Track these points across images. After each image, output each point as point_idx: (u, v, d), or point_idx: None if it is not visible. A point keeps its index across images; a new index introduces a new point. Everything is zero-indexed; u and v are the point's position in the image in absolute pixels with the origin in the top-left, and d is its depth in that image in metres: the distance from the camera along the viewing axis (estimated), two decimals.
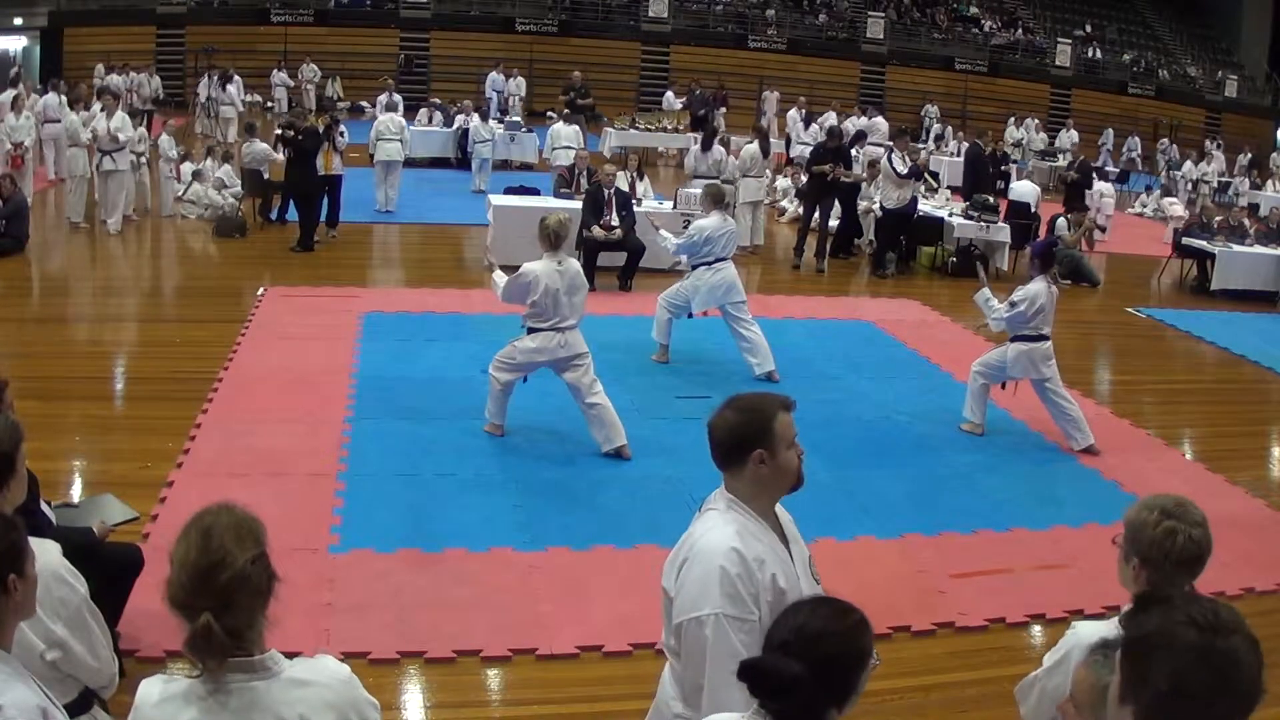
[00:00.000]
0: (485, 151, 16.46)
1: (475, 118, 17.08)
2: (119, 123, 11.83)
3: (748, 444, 2.57)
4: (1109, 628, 2.54)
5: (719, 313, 8.40)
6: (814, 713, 1.93)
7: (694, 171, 13.73)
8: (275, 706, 2.00)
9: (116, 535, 4.17)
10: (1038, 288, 7.12)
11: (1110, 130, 27.14)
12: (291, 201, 12.43)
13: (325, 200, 12.25)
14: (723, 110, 23.05)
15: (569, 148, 14.22)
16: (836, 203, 12.85)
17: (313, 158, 11.69)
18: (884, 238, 12.70)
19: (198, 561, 1.96)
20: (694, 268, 8.36)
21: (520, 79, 24.14)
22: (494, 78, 23.57)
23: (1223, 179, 22.30)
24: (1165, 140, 27.07)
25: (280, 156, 12.36)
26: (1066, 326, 8.27)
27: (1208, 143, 24.77)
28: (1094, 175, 18.08)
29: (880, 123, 19.92)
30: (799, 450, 2.66)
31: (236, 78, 20.42)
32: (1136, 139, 26.57)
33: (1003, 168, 14.94)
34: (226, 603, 1.95)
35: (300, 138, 11.67)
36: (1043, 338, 7.18)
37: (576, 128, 15.38)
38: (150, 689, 2.05)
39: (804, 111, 20.13)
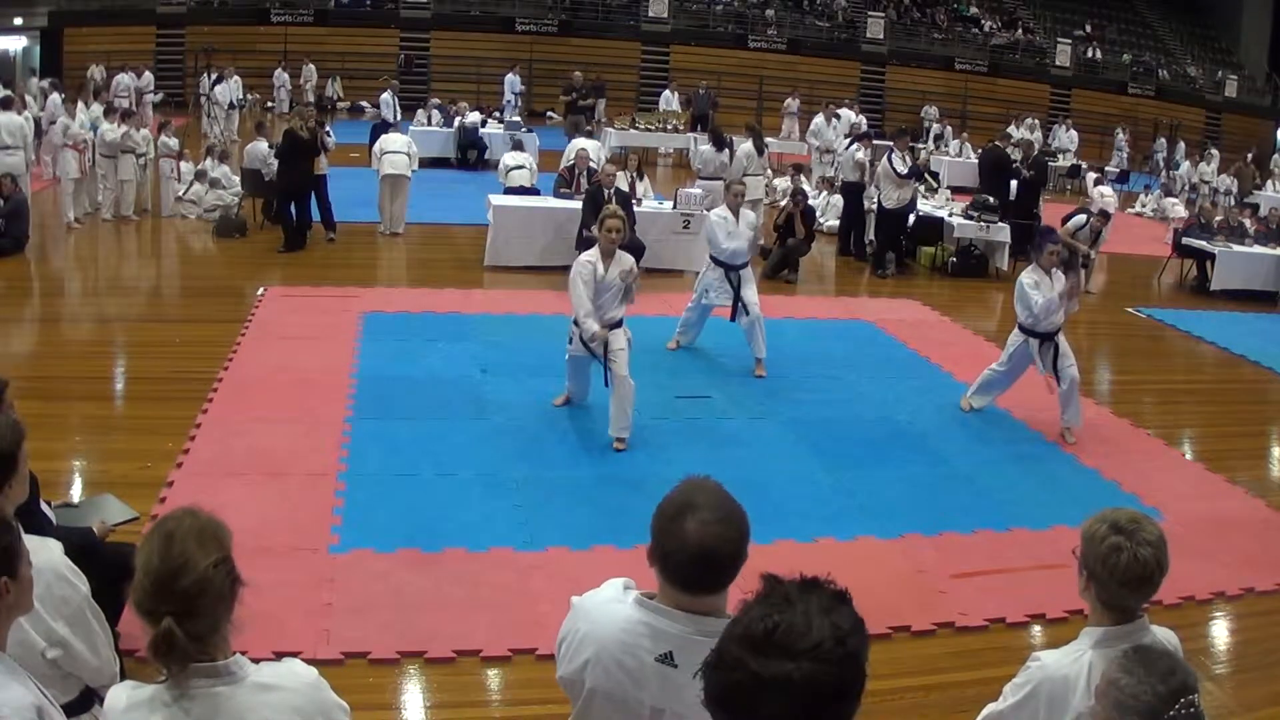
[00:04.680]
0: (521, 179, 13.03)
1: (509, 149, 14.38)
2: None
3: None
4: (1072, 657, 2.50)
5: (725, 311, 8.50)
6: None
7: (700, 171, 13.74)
8: (240, 712, 1.99)
9: (116, 535, 4.16)
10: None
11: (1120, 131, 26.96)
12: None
13: (316, 203, 12.20)
14: (602, 101, 22.74)
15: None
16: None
17: (296, 159, 11.64)
18: (884, 238, 12.70)
19: (160, 567, 1.96)
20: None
21: (515, 76, 24.12)
22: (511, 79, 23.50)
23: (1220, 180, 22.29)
24: (1163, 139, 27.06)
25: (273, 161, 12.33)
26: (1067, 326, 8.25)
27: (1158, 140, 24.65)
28: (1084, 174, 17.96)
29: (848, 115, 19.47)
30: None
31: (235, 78, 20.37)
32: (1127, 135, 26.49)
33: (1023, 171, 13.94)
34: (189, 608, 1.94)
35: (281, 143, 11.74)
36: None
37: (597, 143, 14.45)
38: (117, 696, 2.05)
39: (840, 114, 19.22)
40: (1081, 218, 12.58)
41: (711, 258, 8.50)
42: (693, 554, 2.05)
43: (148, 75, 21.18)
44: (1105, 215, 12.85)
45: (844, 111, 19.09)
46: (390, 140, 13.12)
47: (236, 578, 2.03)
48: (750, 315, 8.31)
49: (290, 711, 2.04)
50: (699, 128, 20.18)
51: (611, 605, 2.23)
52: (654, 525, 2.11)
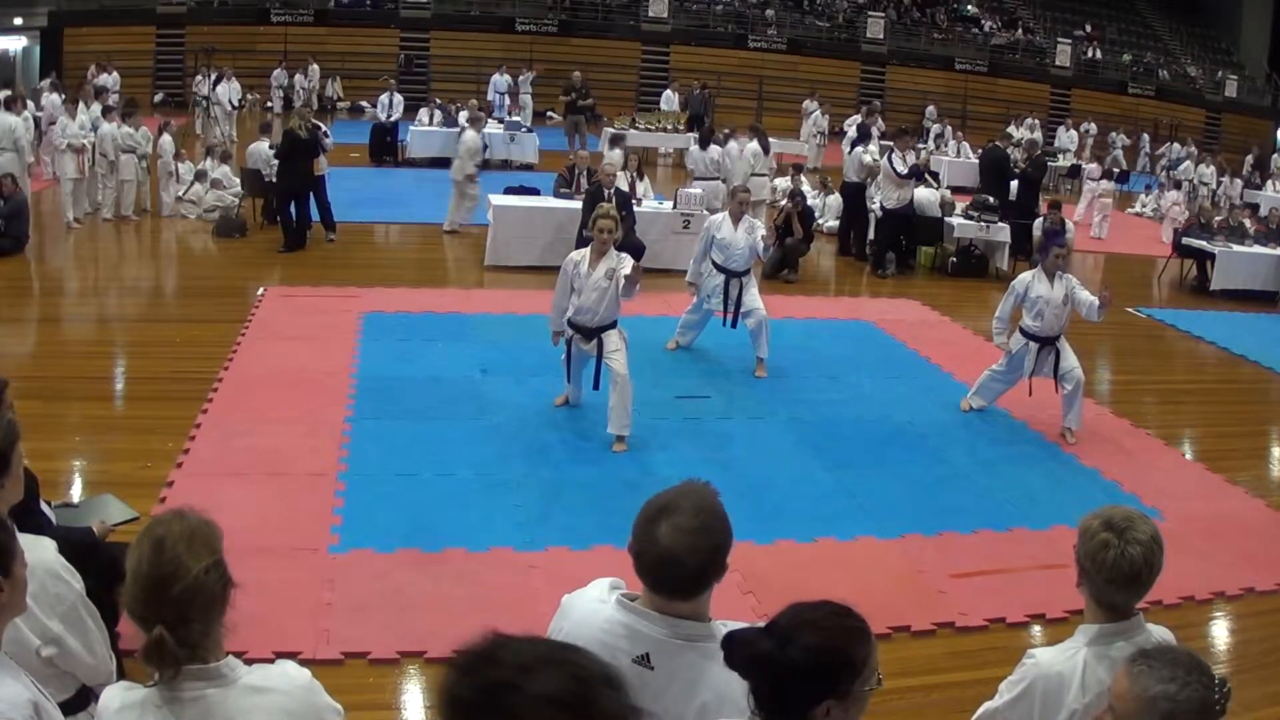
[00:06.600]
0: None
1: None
2: None
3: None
4: (1066, 655, 2.50)
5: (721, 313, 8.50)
6: (800, 706, 1.88)
7: (693, 171, 13.73)
8: (231, 714, 1.98)
9: (116, 535, 4.16)
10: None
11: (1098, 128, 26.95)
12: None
13: (315, 203, 12.18)
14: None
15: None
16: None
17: (295, 159, 11.63)
18: (884, 238, 12.69)
19: (150, 573, 1.94)
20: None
21: (524, 75, 24.06)
22: (496, 79, 23.51)
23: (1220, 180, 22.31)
24: (1145, 135, 27.18)
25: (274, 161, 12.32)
26: (1069, 326, 8.26)
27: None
28: (1084, 174, 17.97)
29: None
30: None
31: (234, 81, 20.34)
32: (1120, 133, 26.51)
33: (1021, 165, 13.91)
34: (181, 614, 1.93)
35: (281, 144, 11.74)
36: None
37: (756, 144, 13.39)
38: (111, 697, 2.04)
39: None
40: (1038, 221, 12.65)
41: (712, 262, 8.48)
42: (658, 557, 2.07)
43: (114, 74, 21.11)
44: (1055, 205, 12.80)
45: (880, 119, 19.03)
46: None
47: (228, 580, 2.02)
48: (755, 317, 8.30)
49: (282, 714, 2.03)
50: (695, 128, 20.16)
51: (594, 605, 2.26)
52: (635, 521, 2.13)
